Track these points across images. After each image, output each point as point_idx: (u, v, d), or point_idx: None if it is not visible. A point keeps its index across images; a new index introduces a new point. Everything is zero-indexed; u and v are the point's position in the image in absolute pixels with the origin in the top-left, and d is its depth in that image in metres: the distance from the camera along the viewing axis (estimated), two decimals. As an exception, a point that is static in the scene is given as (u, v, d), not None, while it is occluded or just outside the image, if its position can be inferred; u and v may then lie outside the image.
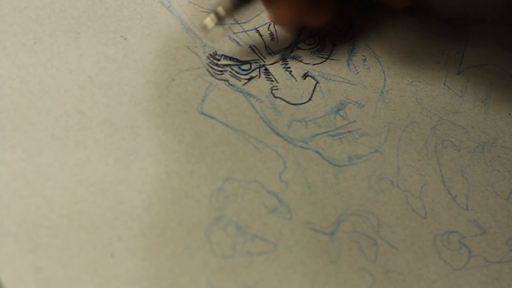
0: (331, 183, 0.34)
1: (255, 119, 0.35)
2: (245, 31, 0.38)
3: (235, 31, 0.38)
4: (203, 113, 0.35)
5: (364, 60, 0.39)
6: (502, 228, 0.36)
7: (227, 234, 0.31)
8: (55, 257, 0.29)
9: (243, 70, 0.37)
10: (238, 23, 0.39)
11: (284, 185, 0.34)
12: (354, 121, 0.37)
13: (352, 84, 0.38)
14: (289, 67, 0.38)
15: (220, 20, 0.35)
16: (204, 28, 0.35)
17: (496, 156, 0.38)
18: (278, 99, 0.36)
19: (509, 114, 0.40)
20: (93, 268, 0.29)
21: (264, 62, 0.38)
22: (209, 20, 0.35)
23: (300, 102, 0.37)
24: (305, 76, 0.38)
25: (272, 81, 0.37)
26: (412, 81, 0.40)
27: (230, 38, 0.38)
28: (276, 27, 0.39)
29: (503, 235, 0.36)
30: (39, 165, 0.31)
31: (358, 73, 0.39)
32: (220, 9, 0.34)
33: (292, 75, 0.38)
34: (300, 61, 0.38)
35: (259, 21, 0.39)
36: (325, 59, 0.39)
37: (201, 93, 0.35)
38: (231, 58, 0.37)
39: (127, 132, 0.33)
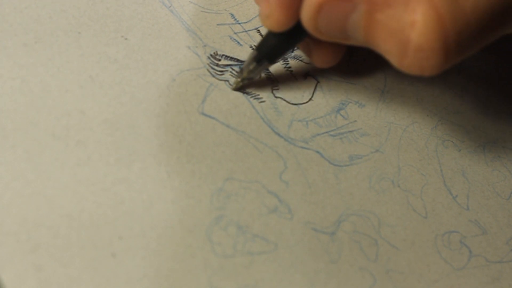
0: (331, 183, 0.34)
1: (255, 120, 0.35)
2: (246, 31, 0.38)
3: (235, 31, 0.38)
4: (203, 114, 0.35)
5: (365, 60, 0.39)
6: (503, 228, 0.36)
7: (228, 233, 0.31)
8: (56, 257, 0.29)
9: (244, 70, 0.37)
10: (239, 23, 0.39)
11: (285, 185, 0.34)
12: (355, 121, 0.37)
13: (352, 84, 0.38)
14: (289, 67, 0.38)
15: (245, 79, 0.36)
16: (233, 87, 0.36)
17: (496, 156, 0.38)
18: (279, 99, 0.36)
19: (510, 114, 0.40)
20: (94, 267, 0.29)
21: (265, 62, 0.38)
22: (234, 85, 0.36)
23: (300, 102, 0.37)
24: (305, 76, 0.38)
25: (273, 81, 0.37)
26: (412, 81, 0.40)
27: (230, 38, 0.38)
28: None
29: (504, 235, 0.36)
30: (40, 164, 0.31)
31: (358, 73, 0.39)
32: (245, 73, 0.36)
33: (293, 75, 0.38)
34: (301, 61, 0.38)
35: (260, 21, 0.39)
36: (325, 59, 0.39)
37: (201, 93, 0.35)
38: (231, 58, 0.37)
39: (128, 132, 0.33)
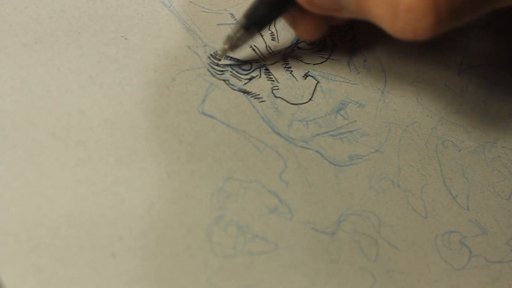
0: (332, 183, 0.34)
1: (255, 119, 0.35)
2: (246, 31, 0.38)
3: (235, 31, 0.38)
4: (203, 113, 0.35)
5: (365, 60, 0.39)
6: (503, 228, 0.36)
7: (228, 234, 0.31)
8: (56, 257, 0.29)
9: (244, 70, 0.37)
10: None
11: (285, 185, 0.34)
12: (355, 121, 0.37)
13: (352, 84, 0.38)
14: (289, 67, 0.38)
15: (232, 47, 0.36)
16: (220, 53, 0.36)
17: (496, 156, 0.38)
18: (279, 99, 0.36)
19: (510, 114, 0.40)
20: (94, 268, 0.29)
21: (265, 62, 0.38)
22: (221, 52, 0.36)
23: (300, 102, 0.37)
24: (305, 76, 0.38)
25: (273, 81, 0.37)
26: (412, 81, 0.40)
27: (230, 38, 0.38)
28: (277, 26, 0.39)
29: (504, 235, 0.36)
30: (40, 164, 0.31)
31: (358, 73, 0.39)
32: (232, 40, 0.36)
33: (293, 75, 0.38)
34: (301, 61, 0.38)
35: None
36: (325, 59, 0.39)
37: (201, 93, 0.35)
38: (231, 58, 0.37)
39: (128, 132, 0.33)
